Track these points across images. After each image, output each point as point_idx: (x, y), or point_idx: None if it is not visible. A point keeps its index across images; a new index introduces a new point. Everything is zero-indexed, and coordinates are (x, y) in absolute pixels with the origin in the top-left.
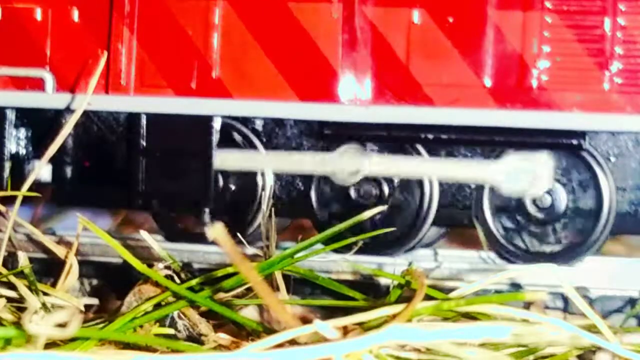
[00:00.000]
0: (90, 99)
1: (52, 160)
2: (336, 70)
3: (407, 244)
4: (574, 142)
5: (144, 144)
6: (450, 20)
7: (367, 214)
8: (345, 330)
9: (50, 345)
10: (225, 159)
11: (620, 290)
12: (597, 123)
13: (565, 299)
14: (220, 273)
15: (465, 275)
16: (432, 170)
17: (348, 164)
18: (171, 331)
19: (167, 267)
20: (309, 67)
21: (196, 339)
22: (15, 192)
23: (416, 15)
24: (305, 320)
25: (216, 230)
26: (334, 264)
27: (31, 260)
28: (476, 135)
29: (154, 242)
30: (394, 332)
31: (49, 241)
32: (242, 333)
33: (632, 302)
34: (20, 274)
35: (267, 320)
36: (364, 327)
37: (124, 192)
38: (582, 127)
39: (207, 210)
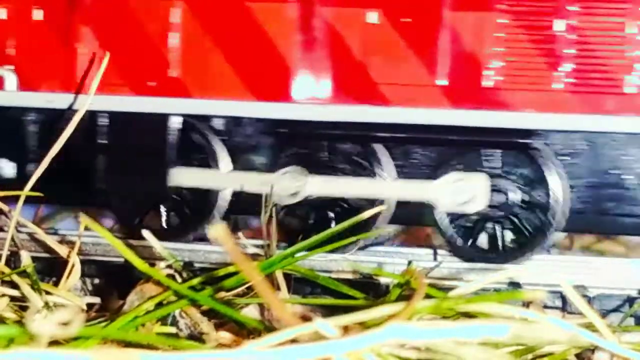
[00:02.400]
0: (51, 97)
1: (16, 158)
2: (292, 70)
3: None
4: (526, 141)
5: (104, 141)
6: (406, 20)
7: (367, 214)
8: (346, 329)
9: (53, 344)
10: (181, 176)
11: (618, 289)
12: (549, 123)
13: (563, 298)
14: (221, 272)
15: (464, 275)
16: (374, 191)
17: (289, 185)
18: (173, 330)
19: (169, 266)
20: (265, 67)
21: (198, 337)
22: (18, 192)
23: (372, 16)
24: (305, 319)
25: (217, 229)
26: (334, 263)
27: (34, 259)
28: (430, 134)
29: (156, 241)
30: (393, 331)
31: (51, 240)
32: (243, 332)
33: (630, 301)
34: (23, 273)
35: (267, 319)
36: (364, 326)
37: (84, 189)
38: (534, 126)
39: (164, 207)
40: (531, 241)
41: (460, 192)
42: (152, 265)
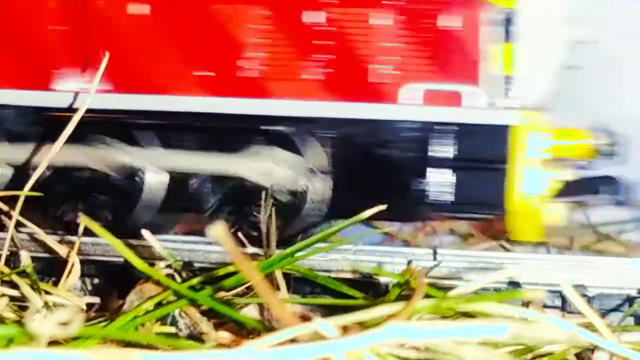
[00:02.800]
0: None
1: None
2: (60, 60)
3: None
4: (284, 128)
5: None
6: (169, 12)
7: (367, 213)
8: (345, 329)
9: (53, 343)
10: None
11: (618, 288)
12: (304, 110)
13: (563, 298)
14: (220, 272)
15: (464, 274)
16: (182, 163)
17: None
18: (172, 330)
19: (168, 266)
20: (29, 57)
21: (197, 337)
22: (18, 192)
23: (134, 7)
24: (305, 319)
25: (216, 229)
26: (334, 262)
27: (33, 259)
28: (193, 122)
29: (156, 241)
30: (393, 331)
31: (51, 240)
32: (243, 331)
33: (630, 300)
34: (23, 273)
35: (267, 319)
36: (364, 326)
37: None
38: (290, 113)
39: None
40: (290, 225)
41: (263, 165)
42: (152, 265)
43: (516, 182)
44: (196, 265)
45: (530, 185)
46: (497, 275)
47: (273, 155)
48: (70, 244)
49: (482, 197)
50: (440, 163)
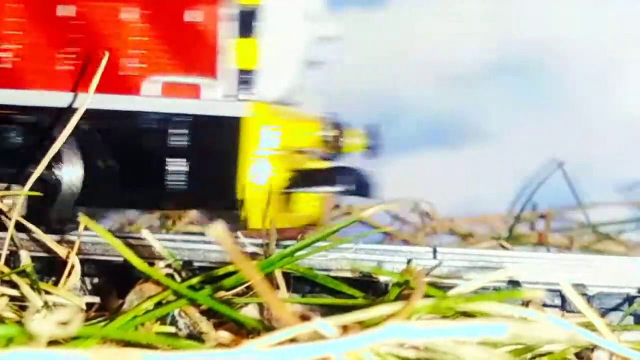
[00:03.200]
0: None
1: None
2: None
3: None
4: (35, 118)
5: None
6: None
7: (367, 213)
8: (345, 329)
9: (52, 343)
10: None
11: (618, 287)
12: (56, 100)
13: (563, 297)
14: (220, 271)
15: (464, 273)
16: None
17: None
18: (172, 329)
19: (168, 266)
20: None
21: (197, 337)
22: (17, 191)
23: None
24: (304, 319)
25: (216, 229)
26: (334, 262)
27: (33, 259)
28: None
29: (155, 240)
30: (392, 330)
31: (50, 240)
32: (243, 331)
33: (630, 299)
34: (23, 273)
35: (267, 319)
36: (363, 325)
37: None
38: (45, 104)
39: None
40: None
41: None
42: (151, 264)
43: (248, 172)
44: (196, 264)
45: (262, 176)
46: (497, 275)
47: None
48: (70, 243)
49: (217, 187)
50: (178, 153)
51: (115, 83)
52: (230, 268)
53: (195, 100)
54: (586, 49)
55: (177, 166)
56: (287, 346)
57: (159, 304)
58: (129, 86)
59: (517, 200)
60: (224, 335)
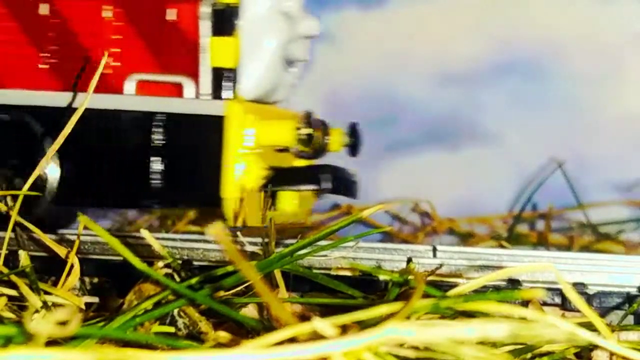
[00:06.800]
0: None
1: None
2: None
3: None
4: (12, 117)
5: None
6: None
7: (366, 213)
8: (344, 328)
9: (51, 343)
10: None
11: (618, 287)
12: (36, 99)
13: (563, 296)
14: (220, 271)
15: (464, 272)
16: None
17: None
18: (171, 329)
19: (167, 265)
20: None
21: (196, 337)
22: (17, 191)
23: None
24: (304, 318)
25: (215, 228)
26: (333, 261)
27: (32, 258)
28: None
29: (154, 240)
30: (392, 330)
31: (50, 240)
32: (242, 331)
33: (630, 299)
34: (22, 273)
35: (266, 318)
36: (363, 325)
37: None
38: (22, 102)
39: None
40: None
41: None
42: (151, 264)
43: (229, 170)
44: (195, 264)
45: (243, 174)
46: (497, 274)
47: None
48: (69, 243)
49: (199, 185)
50: (158, 152)
51: (99, 82)
52: (229, 268)
53: (176, 99)
54: (586, 49)
55: (158, 164)
56: (287, 346)
57: (158, 304)
58: (109, 85)
59: (517, 200)
60: (223, 335)
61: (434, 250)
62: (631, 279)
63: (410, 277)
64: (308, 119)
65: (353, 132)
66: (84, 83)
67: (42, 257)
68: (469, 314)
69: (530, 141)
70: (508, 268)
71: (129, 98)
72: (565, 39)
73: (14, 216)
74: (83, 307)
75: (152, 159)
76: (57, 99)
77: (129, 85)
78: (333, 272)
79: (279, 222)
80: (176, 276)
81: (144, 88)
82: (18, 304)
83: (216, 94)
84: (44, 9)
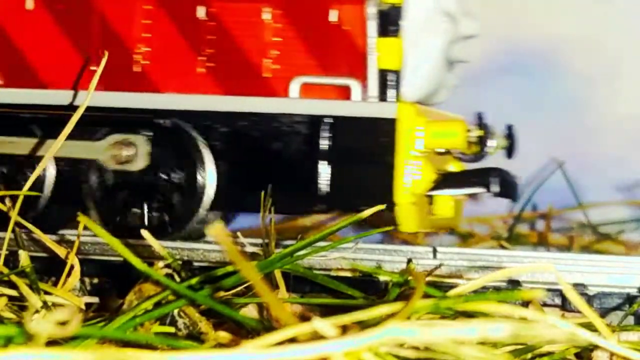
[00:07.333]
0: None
1: None
2: None
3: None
4: (169, 122)
5: None
6: (60, 6)
7: (366, 213)
8: (344, 329)
9: (51, 343)
10: None
11: (618, 287)
12: (193, 104)
13: (563, 296)
14: (220, 272)
15: (464, 273)
16: (41, 149)
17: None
18: (171, 329)
19: (167, 266)
20: None
21: (196, 337)
22: (16, 191)
23: (29, 2)
24: (304, 319)
25: (215, 228)
26: (334, 261)
27: (33, 259)
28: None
29: (154, 240)
30: (392, 330)
31: (49, 241)
32: (242, 331)
33: (630, 299)
34: (22, 273)
35: (266, 319)
36: (363, 325)
37: None
38: (180, 107)
39: None
40: (177, 219)
41: (122, 151)
42: (151, 264)
43: (400, 174)
44: (195, 264)
45: (411, 178)
46: (497, 274)
47: (131, 141)
48: (69, 243)
49: (372, 190)
50: (325, 156)
51: (259, 85)
52: (229, 268)
53: (345, 102)
54: (586, 49)
55: (326, 169)
56: (287, 346)
57: (158, 304)
58: (273, 88)
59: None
60: (224, 335)
61: (434, 251)
62: (631, 280)
63: (410, 277)
64: (480, 121)
65: (510, 135)
66: (241, 87)
67: (42, 258)
68: (469, 315)
69: (530, 141)
70: (508, 269)
71: (296, 101)
72: (566, 39)
73: (14, 216)
74: (83, 307)
75: (319, 163)
76: (215, 103)
77: (294, 89)
78: (333, 273)
79: (439, 227)
80: (176, 276)
81: (307, 91)
82: (18, 304)
83: (382, 96)
84: (201, 12)
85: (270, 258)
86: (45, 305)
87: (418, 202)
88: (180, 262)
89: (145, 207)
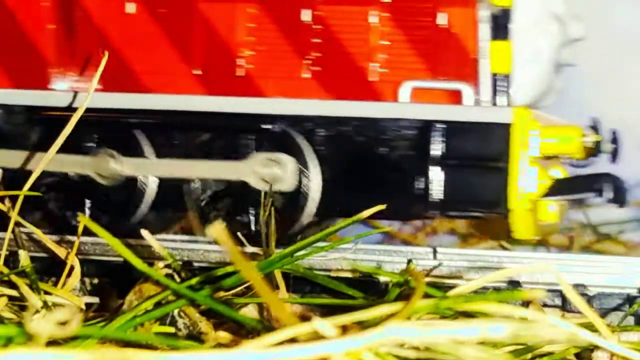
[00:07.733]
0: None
1: None
2: (49, 59)
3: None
4: (276, 127)
5: None
6: (162, 11)
7: (365, 213)
8: (344, 329)
9: (51, 343)
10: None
11: (618, 288)
12: (298, 108)
13: (563, 297)
14: (220, 272)
15: (464, 273)
16: (186, 171)
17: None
18: (172, 330)
19: (168, 266)
20: (20, 55)
21: (196, 337)
22: (16, 191)
23: (130, 6)
24: (304, 319)
25: (216, 229)
26: (334, 262)
27: (33, 259)
28: (188, 119)
29: (155, 240)
30: (392, 330)
31: (50, 241)
32: (242, 331)
33: (630, 300)
34: (22, 273)
35: (266, 319)
36: (363, 325)
37: None
38: (285, 112)
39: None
40: (283, 226)
41: (270, 171)
42: (151, 264)
43: (515, 180)
44: (195, 264)
45: (526, 184)
46: (497, 275)
47: (279, 161)
48: (70, 244)
49: (481, 196)
50: (436, 161)
51: (366, 89)
52: (229, 268)
53: (458, 107)
54: (586, 48)
55: (440, 174)
56: (287, 346)
57: (158, 304)
58: (381, 92)
59: None
60: (224, 335)
61: (434, 251)
62: (631, 280)
63: (410, 277)
64: (596, 126)
65: (614, 139)
66: (347, 91)
67: (42, 258)
68: (469, 315)
69: None
70: (508, 269)
71: (407, 106)
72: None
73: (14, 217)
74: (83, 307)
75: (431, 168)
76: (321, 107)
77: (404, 93)
78: (333, 274)
79: (545, 233)
80: (176, 277)
81: (417, 95)
82: (18, 304)
83: (495, 101)
84: (306, 16)
85: (270, 258)
86: (45, 305)
87: (530, 208)
88: (180, 262)
89: (252, 214)
